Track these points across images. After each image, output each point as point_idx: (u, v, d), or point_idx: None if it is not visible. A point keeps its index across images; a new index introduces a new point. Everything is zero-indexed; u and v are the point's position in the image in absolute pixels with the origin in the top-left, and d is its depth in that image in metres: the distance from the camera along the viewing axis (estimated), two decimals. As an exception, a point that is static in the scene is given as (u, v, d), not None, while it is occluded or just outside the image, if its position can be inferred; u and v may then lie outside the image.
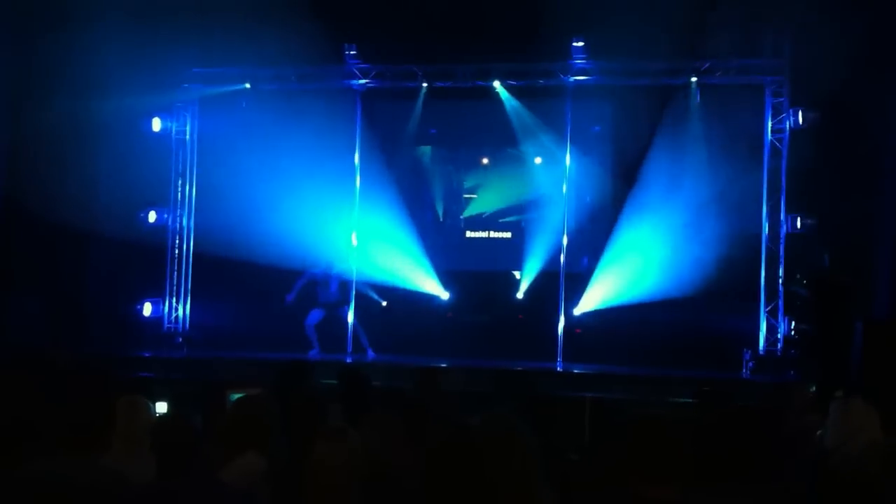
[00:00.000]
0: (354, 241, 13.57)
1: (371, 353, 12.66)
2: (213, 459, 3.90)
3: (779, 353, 12.04)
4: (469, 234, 14.14)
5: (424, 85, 13.39)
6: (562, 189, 13.22)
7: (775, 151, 12.35)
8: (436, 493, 2.89)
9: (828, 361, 9.86)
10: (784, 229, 12.18)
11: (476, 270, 13.86)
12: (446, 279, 13.84)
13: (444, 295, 13.77)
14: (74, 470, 3.31)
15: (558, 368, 11.96)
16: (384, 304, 13.28)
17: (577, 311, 13.19)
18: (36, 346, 10.36)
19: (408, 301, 13.53)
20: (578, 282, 13.25)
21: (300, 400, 5.61)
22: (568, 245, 13.11)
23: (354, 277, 13.27)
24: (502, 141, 13.86)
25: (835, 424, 4.49)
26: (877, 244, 11.94)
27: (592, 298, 13.13)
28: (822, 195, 12.28)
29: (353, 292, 13.20)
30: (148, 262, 14.06)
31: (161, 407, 5.74)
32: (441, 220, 14.30)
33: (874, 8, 11.11)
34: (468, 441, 2.99)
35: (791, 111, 12.07)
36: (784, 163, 12.26)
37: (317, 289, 12.97)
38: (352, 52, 13.21)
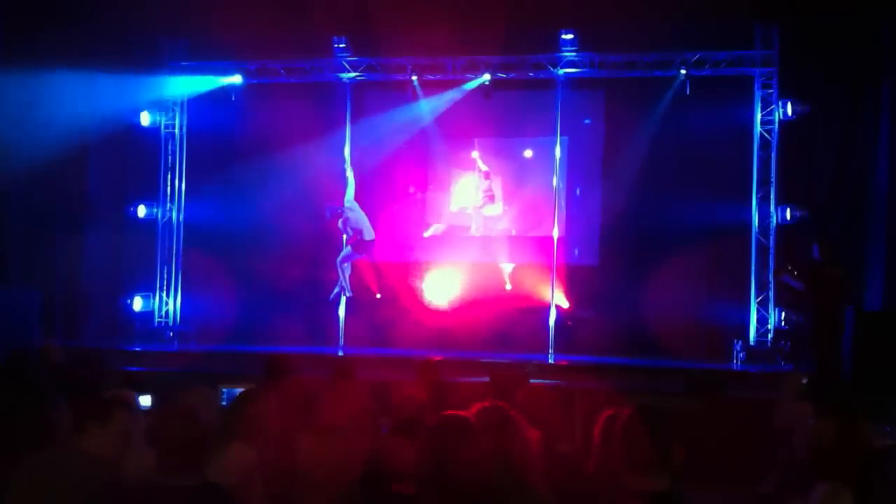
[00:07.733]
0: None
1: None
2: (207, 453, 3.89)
3: (769, 344, 12.07)
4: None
5: (414, 78, 13.32)
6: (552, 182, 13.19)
7: (765, 143, 12.37)
8: (432, 484, 2.89)
9: (819, 352, 9.89)
10: (774, 220, 12.21)
11: (468, 263, 13.81)
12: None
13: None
14: (70, 464, 3.31)
15: (550, 361, 11.97)
16: (378, 296, 13.22)
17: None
18: (29, 341, 10.32)
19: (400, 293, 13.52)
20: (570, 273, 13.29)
21: (286, 393, 5.62)
22: (559, 237, 13.08)
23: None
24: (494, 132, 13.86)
25: None
26: (868, 235, 11.98)
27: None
28: (813, 186, 12.32)
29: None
30: (138, 257, 14.02)
31: (145, 400, 5.73)
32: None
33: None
34: (464, 433, 2.99)
35: (780, 102, 12.09)
36: (774, 154, 12.28)
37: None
38: (341, 45, 13.16)
